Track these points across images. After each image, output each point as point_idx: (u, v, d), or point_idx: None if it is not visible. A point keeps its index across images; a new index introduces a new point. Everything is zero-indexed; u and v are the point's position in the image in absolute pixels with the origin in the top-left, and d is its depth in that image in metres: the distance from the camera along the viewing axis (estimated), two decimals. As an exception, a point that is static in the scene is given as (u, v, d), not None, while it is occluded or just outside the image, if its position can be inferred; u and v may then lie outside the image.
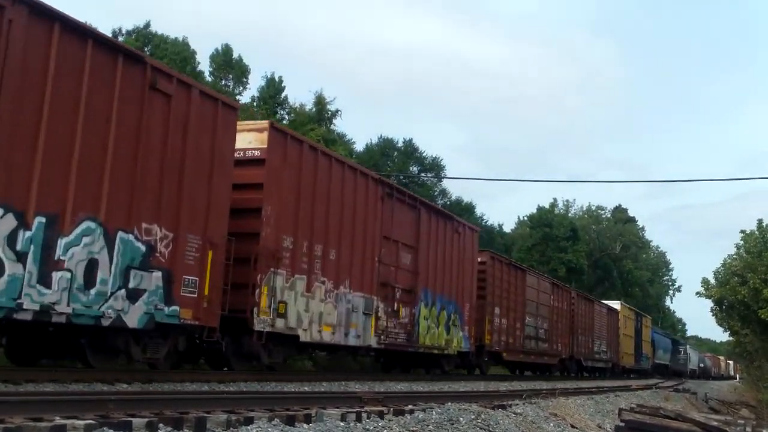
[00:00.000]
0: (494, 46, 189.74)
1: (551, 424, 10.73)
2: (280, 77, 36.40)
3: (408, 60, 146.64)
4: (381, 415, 7.84)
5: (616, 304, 42.12)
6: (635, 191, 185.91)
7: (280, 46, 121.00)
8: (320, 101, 35.91)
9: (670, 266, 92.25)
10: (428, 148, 53.79)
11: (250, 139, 12.58)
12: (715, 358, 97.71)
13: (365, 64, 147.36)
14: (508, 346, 24.10)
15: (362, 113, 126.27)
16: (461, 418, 8.32)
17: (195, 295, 10.68)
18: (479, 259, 22.14)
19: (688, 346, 73.23)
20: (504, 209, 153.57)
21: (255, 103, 34.88)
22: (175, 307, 10.31)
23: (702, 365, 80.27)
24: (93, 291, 9.01)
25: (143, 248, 9.81)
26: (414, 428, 7.41)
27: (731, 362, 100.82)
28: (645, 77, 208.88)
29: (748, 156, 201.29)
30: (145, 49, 31.62)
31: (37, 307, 8.28)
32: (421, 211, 18.06)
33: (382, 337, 16.04)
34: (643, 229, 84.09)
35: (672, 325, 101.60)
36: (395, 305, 16.77)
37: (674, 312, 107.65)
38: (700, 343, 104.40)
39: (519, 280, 25.59)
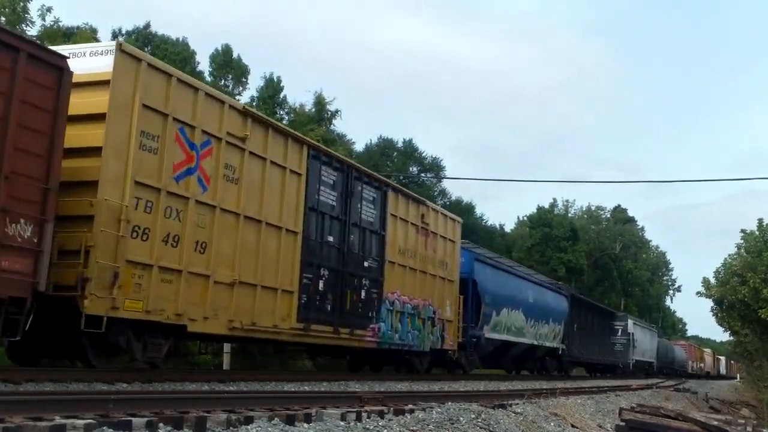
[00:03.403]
0: (492, 47, 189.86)
1: (552, 424, 10.72)
2: (278, 77, 36.43)
3: (408, 61, 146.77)
4: (381, 414, 7.83)
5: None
6: (633, 191, 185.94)
7: (279, 47, 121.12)
8: (320, 101, 35.90)
9: (670, 266, 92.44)
10: (427, 148, 53.82)
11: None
12: (695, 349, 75.18)
13: (364, 65, 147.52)
14: None
15: (362, 114, 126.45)
16: (461, 418, 8.32)
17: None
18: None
19: (630, 322, 44.01)
20: (504, 209, 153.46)
21: (254, 103, 34.86)
22: None
23: (667, 356, 56.32)
24: None
25: None
26: (414, 428, 7.40)
27: (722, 358, 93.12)
28: (641, 77, 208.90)
29: (744, 156, 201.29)
30: (146, 49, 31.59)
31: None
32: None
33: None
34: (642, 229, 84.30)
35: (672, 325, 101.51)
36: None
37: (674, 312, 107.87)
38: (700, 343, 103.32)
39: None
